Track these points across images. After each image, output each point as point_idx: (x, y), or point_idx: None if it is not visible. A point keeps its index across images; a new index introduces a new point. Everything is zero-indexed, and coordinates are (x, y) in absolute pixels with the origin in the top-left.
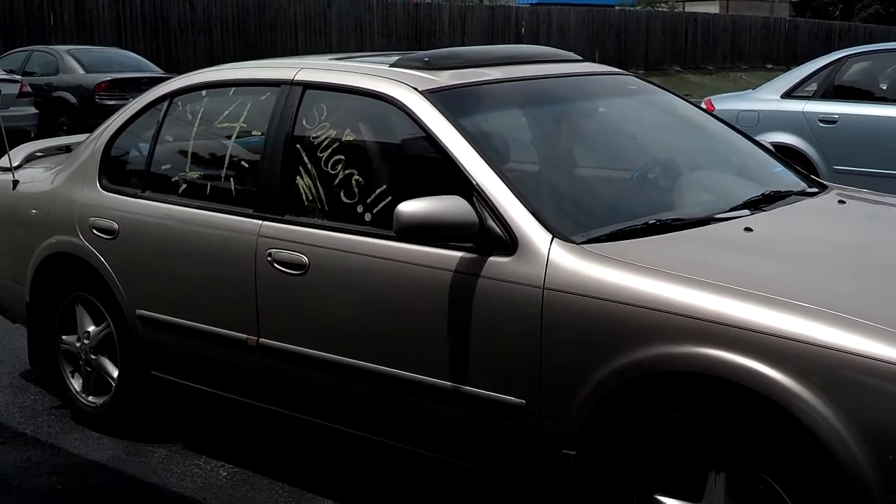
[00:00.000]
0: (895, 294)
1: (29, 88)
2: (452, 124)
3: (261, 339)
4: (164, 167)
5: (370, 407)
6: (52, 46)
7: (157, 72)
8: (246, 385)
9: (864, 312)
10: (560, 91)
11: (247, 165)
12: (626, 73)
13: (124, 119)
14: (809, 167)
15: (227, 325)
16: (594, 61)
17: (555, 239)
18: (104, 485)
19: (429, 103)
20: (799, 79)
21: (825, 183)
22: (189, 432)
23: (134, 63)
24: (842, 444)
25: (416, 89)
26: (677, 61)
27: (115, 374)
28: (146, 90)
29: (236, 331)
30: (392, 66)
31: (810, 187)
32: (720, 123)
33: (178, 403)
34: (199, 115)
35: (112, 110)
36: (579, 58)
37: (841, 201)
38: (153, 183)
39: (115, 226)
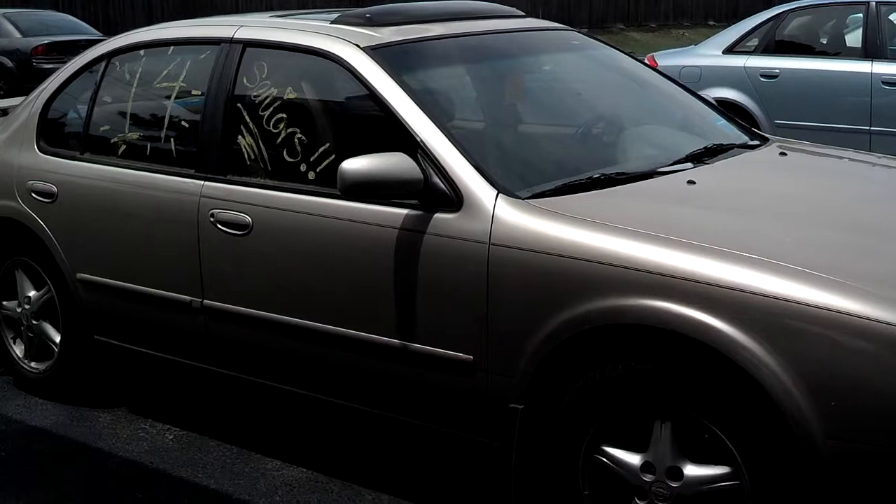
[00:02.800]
0: (836, 243)
1: None
2: (395, 81)
3: (205, 301)
4: (102, 129)
5: (317, 367)
6: None
7: (94, 34)
8: (191, 347)
9: (806, 262)
10: (503, 47)
11: (187, 125)
12: (569, 28)
13: (61, 81)
14: (751, 121)
15: (171, 287)
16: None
17: (500, 194)
18: (49, 451)
19: (371, 60)
20: (740, 34)
21: (767, 136)
22: (134, 396)
23: (71, 26)
24: (784, 392)
25: (357, 46)
26: (620, 19)
27: (58, 339)
28: None
29: (180, 293)
30: (333, 23)
31: (752, 140)
32: (663, 78)
33: (122, 368)
34: (138, 76)
35: (50, 74)
36: (522, 13)
37: (782, 153)
38: (92, 145)
39: (55, 189)
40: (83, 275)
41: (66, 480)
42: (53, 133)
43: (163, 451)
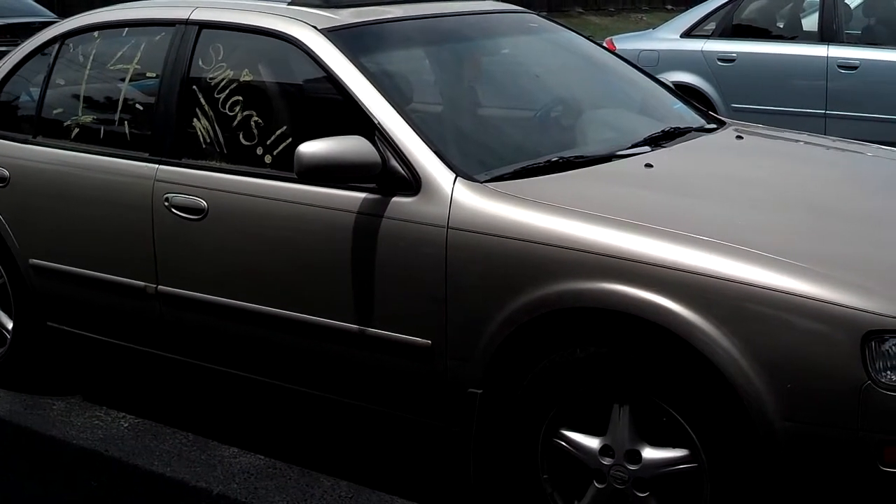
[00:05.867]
0: (792, 226)
1: None
2: (353, 63)
3: (160, 287)
4: (55, 111)
5: (273, 353)
6: None
7: (49, 16)
8: (145, 333)
9: (762, 245)
10: (462, 29)
11: (142, 108)
12: (527, 11)
13: (13, 63)
14: (708, 105)
15: (125, 272)
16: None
17: (458, 178)
18: (2, 440)
19: (328, 42)
20: (698, 18)
21: (723, 119)
22: (88, 384)
23: (25, 8)
24: (741, 375)
25: (315, 28)
26: (579, 2)
27: (10, 325)
28: None
29: (134, 278)
30: (290, 4)
31: (709, 124)
32: (621, 62)
33: (75, 355)
34: (92, 58)
35: (3, 56)
36: None
37: (739, 137)
38: (45, 128)
39: (6, 172)
40: (35, 260)
41: (19, 469)
42: (5, 116)
43: (117, 438)
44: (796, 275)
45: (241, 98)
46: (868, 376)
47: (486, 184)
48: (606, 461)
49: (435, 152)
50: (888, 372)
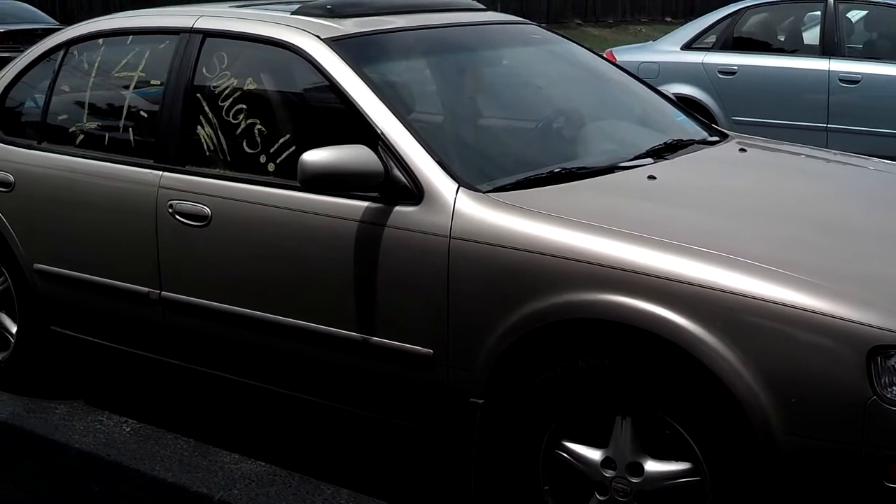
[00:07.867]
0: (794, 238)
1: None
2: (356, 73)
3: (163, 293)
4: (60, 118)
5: (275, 359)
6: None
7: (51, 23)
8: (148, 339)
9: (765, 257)
10: (464, 40)
11: (146, 115)
12: (529, 22)
13: (19, 69)
14: (709, 117)
15: (129, 278)
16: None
17: (461, 188)
18: (4, 443)
19: (332, 51)
20: (699, 30)
21: (726, 132)
22: (91, 388)
23: (28, 14)
24: (745, 388)
25: (318, 37)
26: (578, 14)
27: (14, 329)
28: None
29: (138, 284)
30: (294, 13)
31: (711, 136)
32: (623, 73)
33: (79, 359)
34: (96, 65)
35: (6, 63)
36: (482, 7)
37: (742, 150)
38: (50, 134)
39: (11, 178)
40: (40, 265)
41: (22, 473)
42: (11, 122)
43: (120, 443)
44: (801, 288)
45: (244, 106)
46: (873, 391)
47: (489, 194)
48: (608, 473)
49: (437, 162)
50: (894, 387)
